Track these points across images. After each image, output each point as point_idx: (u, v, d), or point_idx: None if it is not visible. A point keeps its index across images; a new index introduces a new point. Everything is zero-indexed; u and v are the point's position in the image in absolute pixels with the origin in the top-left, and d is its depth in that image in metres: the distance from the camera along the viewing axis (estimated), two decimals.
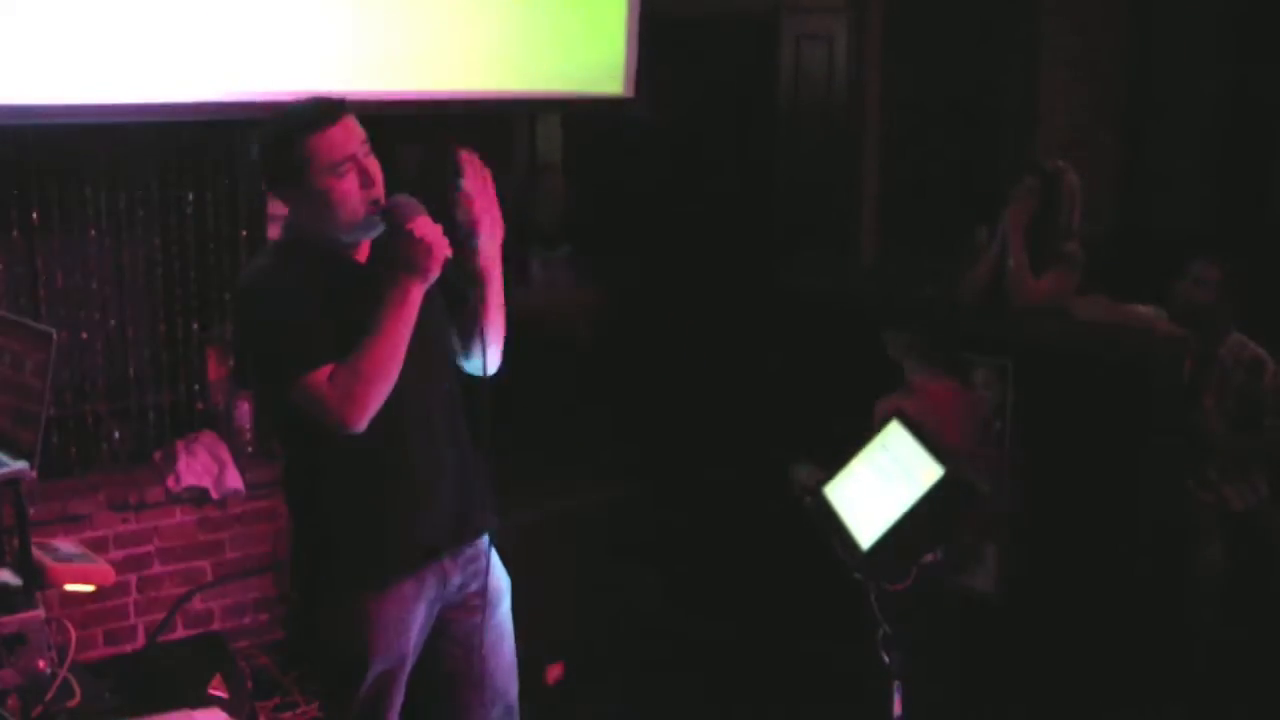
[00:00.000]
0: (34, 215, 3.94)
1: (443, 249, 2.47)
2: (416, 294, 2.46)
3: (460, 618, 2.73)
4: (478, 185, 2.60)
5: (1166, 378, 3.99)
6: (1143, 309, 4.28)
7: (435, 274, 2.47)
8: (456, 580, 2.71)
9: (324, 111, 2.47)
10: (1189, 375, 4.06)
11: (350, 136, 2.47)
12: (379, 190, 2.49)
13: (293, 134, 2.46)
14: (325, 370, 2.43)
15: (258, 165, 2.56)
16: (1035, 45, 6.19)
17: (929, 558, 2.41)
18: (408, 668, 2.69)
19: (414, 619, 2.65)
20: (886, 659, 2.46)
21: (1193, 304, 4.06)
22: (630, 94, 4.49)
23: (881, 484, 2.59)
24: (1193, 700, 3.89)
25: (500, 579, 2.81)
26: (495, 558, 2.77)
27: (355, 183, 2.46)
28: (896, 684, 2.47)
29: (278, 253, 2.61)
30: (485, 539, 2.73)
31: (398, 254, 2.46)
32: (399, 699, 2.70)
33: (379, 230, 2.50)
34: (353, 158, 2.46)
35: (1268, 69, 5.97)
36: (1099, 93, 6.38)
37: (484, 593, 2.71)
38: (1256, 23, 6.01)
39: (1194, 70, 6.27)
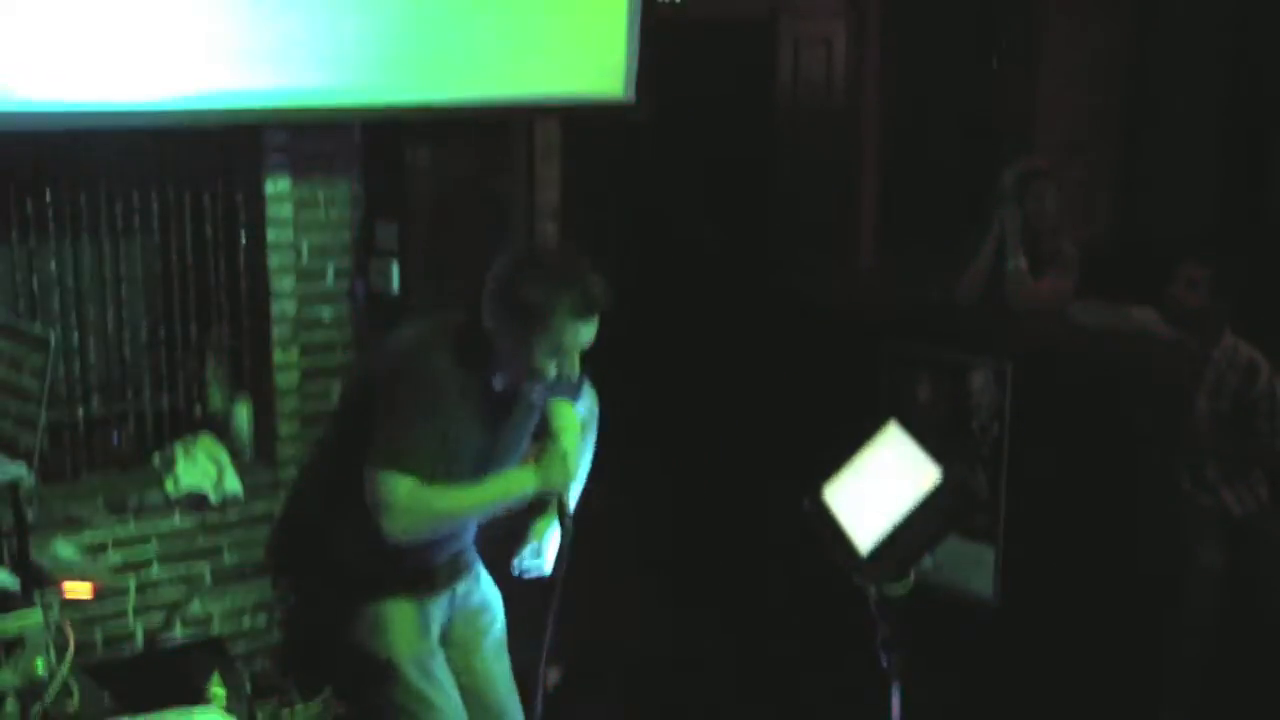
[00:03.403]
0: (33, 217, 3.94)
1: (578, 476, 2.71)
2: (530, 493, 2.59)
3: (460, 623, 2.88)
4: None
5: (1162, 380, 3.99)
6: (1140, 312, 4.27)
7: (560, 491, 2.64)
8: (462, 589, 2.87)
9: (596, 305, 2.55)
10: (1183, 378, 4.05)
11: (591, 334, 2.58)
12: (563, 373, 2.60)
13: (559, 304, 2.51)
14: (411, 480, 2.46)
15: (494, 280, 2.57)
16: (1035, 48, 6.20)
17: (927, 560, 2.41)
18: (440, 661, 2.77)
19: (430, 618, 2.77)
20: (885, 662, 2.45)
21: (1184, 306, 4.05)
22: (630, 97, 4.47)
23: (880, 487, 2.58)
24: (1191, 706, 3.89)
25: (492, 594, 2.96)
26: (486, 575, 2.96)
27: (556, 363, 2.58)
28: (895, 686, 2.47)
29: (459, 353, 2.59)
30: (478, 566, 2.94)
31: (543, 455, 2.61)
32: (439, 690, 2.74)
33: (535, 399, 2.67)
34: (579, 350, 2.59)
35: (1266, 71, 5.98)
36: (1098, 96, 6.39)
37: (484, 605, 2.92)
38: (1256, 24, 6.01)
39: (1192, 72, 6.28)
